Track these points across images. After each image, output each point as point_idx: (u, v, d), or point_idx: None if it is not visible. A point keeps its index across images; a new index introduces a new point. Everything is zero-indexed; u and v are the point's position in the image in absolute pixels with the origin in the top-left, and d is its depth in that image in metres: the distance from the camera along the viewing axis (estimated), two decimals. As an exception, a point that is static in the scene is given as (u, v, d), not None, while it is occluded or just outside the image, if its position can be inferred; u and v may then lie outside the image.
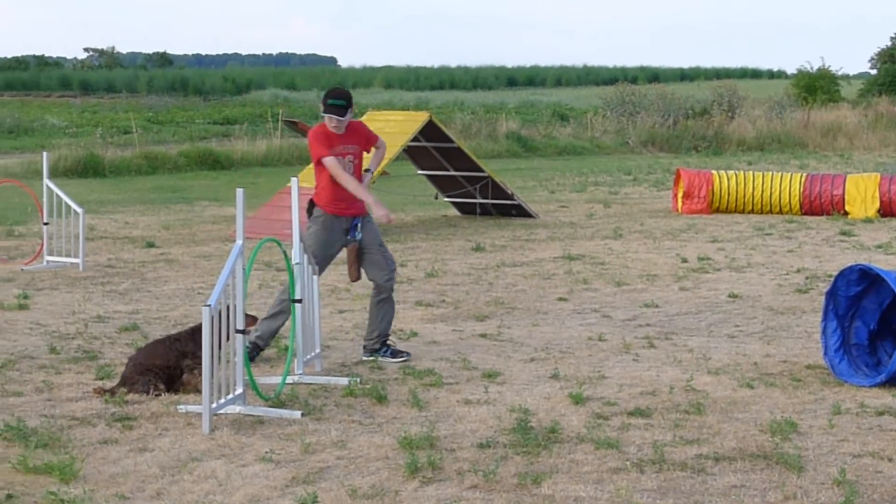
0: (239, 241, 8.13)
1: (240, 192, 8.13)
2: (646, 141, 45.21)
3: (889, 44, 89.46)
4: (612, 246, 17.79)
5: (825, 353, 9.29)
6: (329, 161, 10.00)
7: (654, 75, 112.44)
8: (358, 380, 9.09)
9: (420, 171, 23.09)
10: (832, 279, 9.41)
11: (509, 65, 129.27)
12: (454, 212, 22.92)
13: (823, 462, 7.01)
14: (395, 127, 21.27)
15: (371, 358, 9.94)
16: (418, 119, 21.23)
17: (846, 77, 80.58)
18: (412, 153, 22.32)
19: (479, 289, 13.93)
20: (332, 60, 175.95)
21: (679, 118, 48.52)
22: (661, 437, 7.56)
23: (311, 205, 10.22)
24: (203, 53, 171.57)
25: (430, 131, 21.15)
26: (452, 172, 22.21)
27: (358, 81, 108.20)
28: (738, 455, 7.13)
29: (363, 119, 22.55)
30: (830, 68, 75.62)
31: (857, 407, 8.24)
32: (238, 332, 8.15)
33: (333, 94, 10.10)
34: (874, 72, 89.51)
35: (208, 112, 61.74)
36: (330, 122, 10.09)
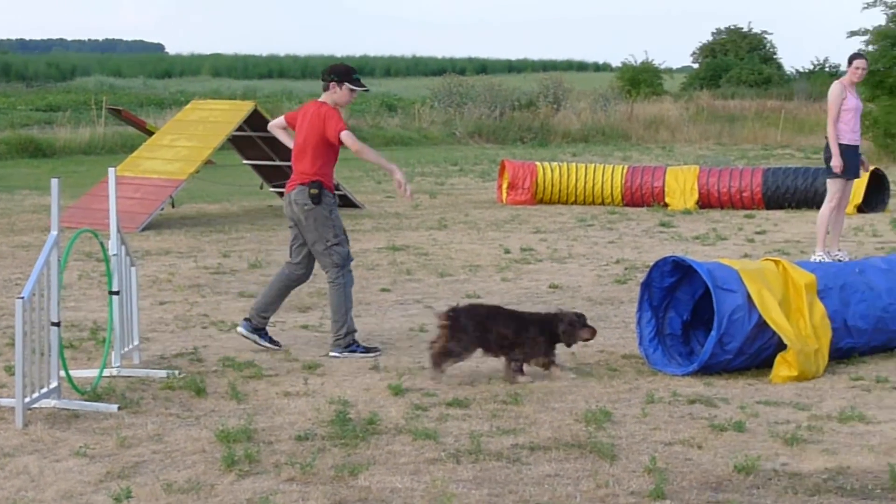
0: (54, 232, 8.01)
1: (54, 182, 8.00)
2: (473, 132, 45.54)
3: (710, 38, 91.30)
4: (437, 237, 17.90)
5: (640, 343, 9.48)
6: (348, 135, 9.95)
7: (482, 66, 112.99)
8: (177, 372, 9.04)
9: (245, 161, 22.95)
10: (648, 270, 9.59)
11: (339, 54, 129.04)
12: (280, 202, 22.82)
13: (636, 450, 7.15)
14: (219, 116, 21.15)
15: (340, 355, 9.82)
16: (243, 108, 21.13)
17: (669, 71, 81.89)
18: (237, 143, 22.18)
19: (303, 280, 13.89)
20: (160, 47, 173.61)
21: (506, 110, 48.97)
22: (479, 427, 7.63)
23: (320, 188, 10.13)
24: (27, 38, 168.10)
25: (255, 120, 21.03)
26: (278, 162, 22.11)
27: (185, 69, 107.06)
28: (553, 444, 7.23)
29: (187, 108, 22.36)
30: (654, 62, 77.04)
31: (670, 396, 8.41)
32: (53, 324, 8.03)
33: (354, 70, 10.24)
34: (696, 66, 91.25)
35: (31, 98, 60.54)
36: (352, 95, 10.19)
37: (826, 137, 14.92)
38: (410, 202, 9.27)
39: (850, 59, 15.20)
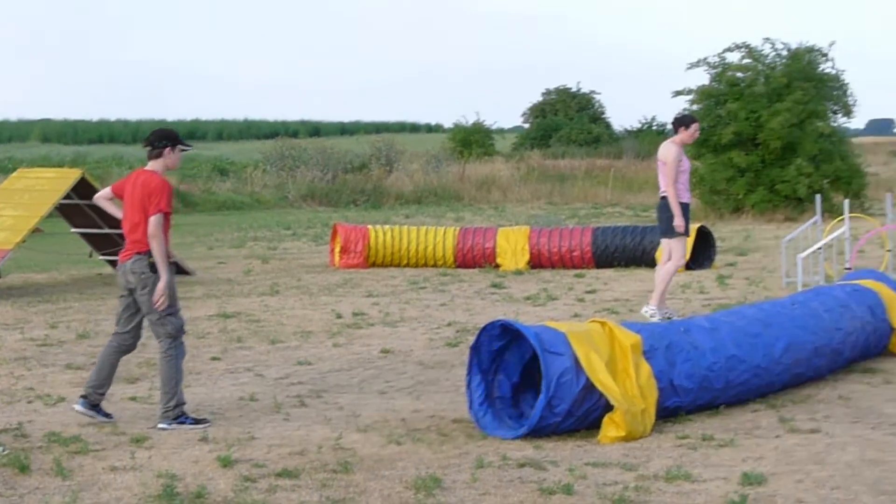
0: None
1: None
2: (305, 195, 45.51)
3: (541, 99, 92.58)
4: (269, 302, 17.80)
5: (470, 407, 9.50)
6: (155, 219, 10.04)
7: (315, 129, 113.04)
8: (0, 449, 8.83)
9: (74, 230, 22.62)
10: (477, 334, 9.64)
11: (170, 118, 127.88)
12: (109, 270, 22.51)
13: (465, 516, 7.16)
14: (46, 185, 20.83)
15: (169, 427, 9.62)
16: (70, 176, 20.84)
17: (500, 131, 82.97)
18: (65, 211, 21.85)
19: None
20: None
21: (339, 172, 49.05)
22: (308, 497, 7.59)
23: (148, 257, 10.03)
24: None
25: (83, 188, 20.75)
26: (107, 230, 21.83)
27: (13, 135, 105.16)
28: (383, 513, 7.22)
29: (13, 177, 21.99)
30: (485, 122, 77.83)
31: (500, 460, 8.45)
32: None
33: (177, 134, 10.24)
34: (527, 126, 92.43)
35: None
36: (179, 162, 10.32)
37: (662, 197, 15.07)
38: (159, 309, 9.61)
39: (687, 122, 15.37)
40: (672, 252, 15.20)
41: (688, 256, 20.47)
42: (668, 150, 15.05)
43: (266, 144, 56.99)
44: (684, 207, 15.02)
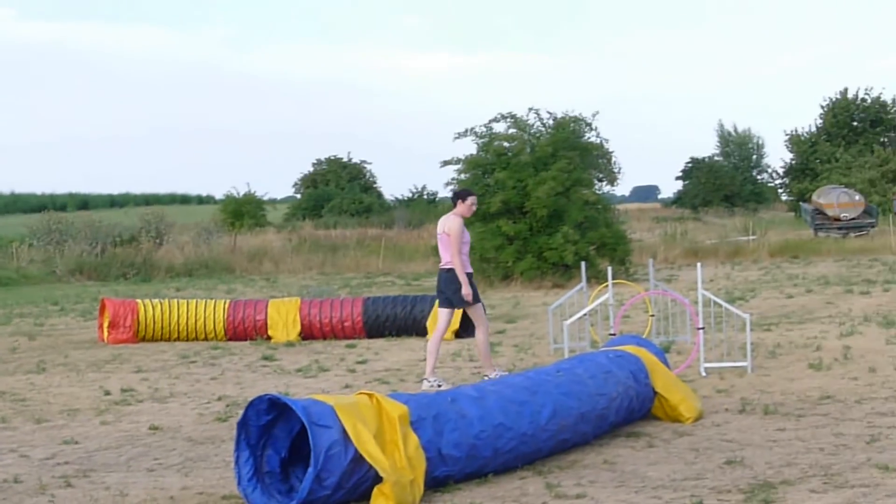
0: None
1: None
2: (74, 269, 44.71)
3: (312, 169, 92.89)
4: (35, 381, 17.42)
5: (239, 483, 9.44)
6: None
7: (83, 202, 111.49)
8: None
9: None
10: (244, 409, 9.60)
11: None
12: None
13: None
14: None
15: None
16: None
17: (273, 202, 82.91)
18: None
19: None
20: None
21: (107, 245, 48.34)
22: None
23: None
24: None
25: None
26: None
27: None
28: None
29: None
30: (256, 193, 77.71)
31: (269, 535, 8.41)
32: None
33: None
34: (299, 196, 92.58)
35: None
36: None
37: (447, 269, 15.53)
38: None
39: (464, 195, 16.06)
40: (475, 319, 15.87)
41: (457, 325, 20.86)
42: (452, 223, 15.57)
43: (32, 218, 55.85)
44: (469, 277, 15.50)
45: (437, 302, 16.88)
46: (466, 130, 36.00)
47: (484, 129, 36.02)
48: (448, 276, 15.55)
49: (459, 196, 16.14)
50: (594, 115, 36.87)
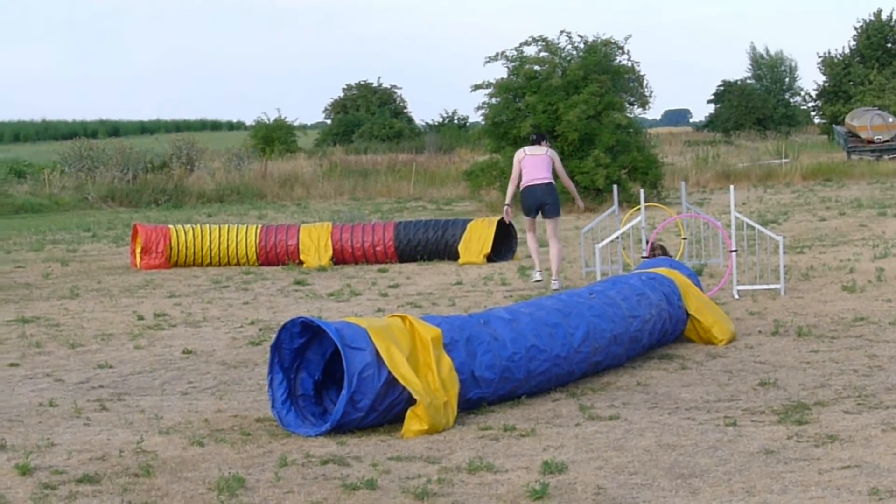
0: None
1: None
2: (105, 196, 44.80)
3: (342, 94, 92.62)
4: (69, 306, 17.51)
5: (273, 406, 9.48)
6: None
7: (114, 129, 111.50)
8: None
9: None
10: (277, 332, 9.61)
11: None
12: None
13: (269, 515, 7.15)
14: None
15: None
16: None
17: (303, 127, 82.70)
18: None
19: (-75, 359, 13.36)
20: None
21: (139, 172, 48.35)
22: (110, 503, 7.49)
23: None
24: None
25: None
26: None
27: None
28: (185, 515, 7.16)
29: None
30: (287, 119, 77.51)
31: (303, 457, 8.44)
32: None
33: None
34: (329, 122, 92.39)
35: None
36: None
37: (545, 182, 18.20)
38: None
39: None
40: (557, 231, 18.53)
41: (488, 249, 20.86)
42: (554, 154, 18.67)
43: (64, 145, 55.88)
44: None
45: (468, 226, 19.82)
46: (497, 54, 35.79)
47: (514, 53, 35.80)
48: (552, 189, 18.22)
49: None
50: (626, 39, 36.57)
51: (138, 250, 22.98)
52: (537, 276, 18.29)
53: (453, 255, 21.87)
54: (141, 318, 16.06)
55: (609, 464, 8.10)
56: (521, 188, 18.24)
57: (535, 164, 18.24)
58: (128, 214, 39.73)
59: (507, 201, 18.62)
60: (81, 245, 28.56)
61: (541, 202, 18.12)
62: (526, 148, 18.53)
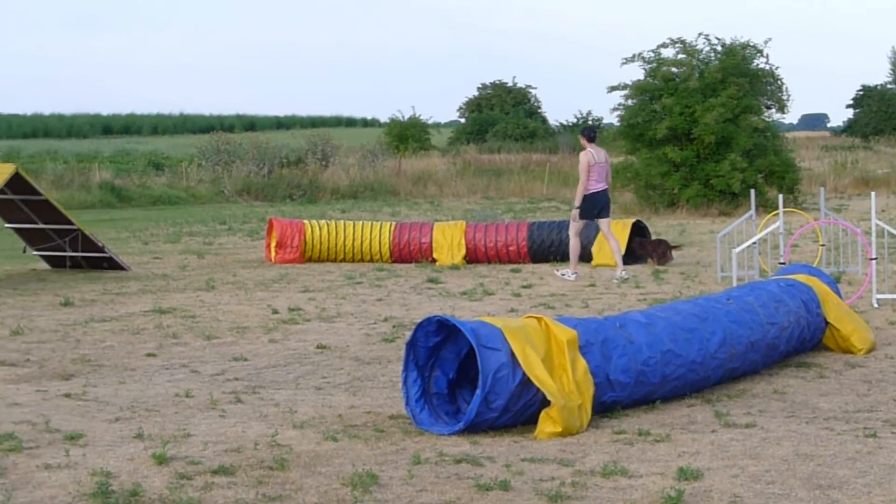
0: None
1: None
2: (241, 190, 45.30)
3: (476, 93, 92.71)
4: (204, 298, 17.71)
5: (406, 403, 9.49)
6: None
7: (250, 124, 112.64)
8: (-68, 448, 8.72)
9: (8, 225, 22.44)
10: (413, 330, 9.62)
11: (105, 112, 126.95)
12: (44, 265, 22.36)
13: (402, 513, 7.14)
14: (-22, 179, 20.62)
15: None
16: (4, 172, 20.61)
17: (437, 125, 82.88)
18: (-2, 206, 21.69)
19: (66, 346, 13.60)
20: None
21: (274, 167, 48.81)
22: (244, 495, 7.54)
23: None
24: None
25: (17, 184, 20.59)
26: (41, 225, 21.67)
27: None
28: (319, 510, 7.18)
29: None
30: (421, 117, 77.77)
31: (437, 456, 8.44)
32: None
33: None
34: (463, 121, 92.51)
35: None
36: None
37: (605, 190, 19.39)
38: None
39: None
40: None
41: (623, 251, 20.76)
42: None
43: (201, 139, 56.56)
44: None
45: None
46: (634, 55, 35.64)
47: (652, 55, 35.62)
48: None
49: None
50: (766, 42, 36.23)
51: (273, 244, 23.19)
52: (573, 276, 19.23)
53: (586, 257, 21.75)
54: (275, 311, 16.19)
55: (745, 472, 7.98)
56: (588, 192, 19.21)
57: (603, 170, 19.35)
58: (262, 208, 40.12)
59: (577, 204, 19.34)
60: (217, 238, 28.90)
61: (603, 206, 19.30)
62: (592, 152, 19.25)
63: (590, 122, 78.28)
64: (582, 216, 19.32)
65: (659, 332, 10.29)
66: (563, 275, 19.36)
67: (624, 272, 19.13)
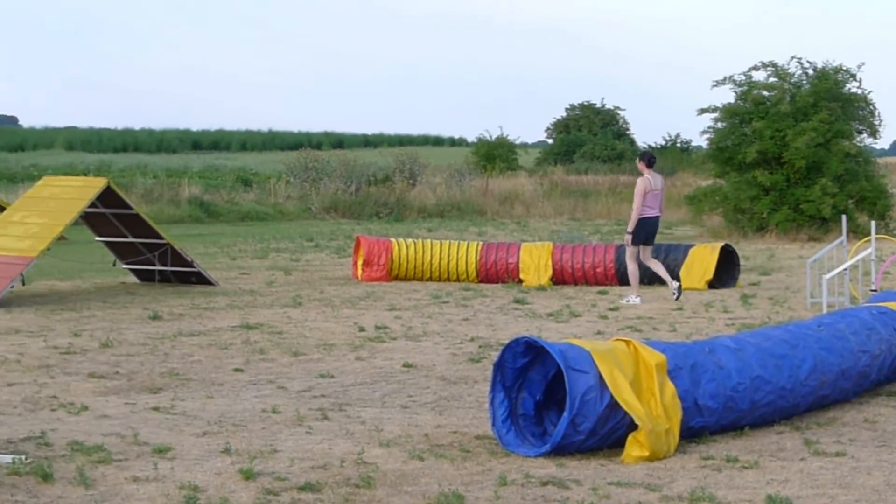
0: None
1: None
2: (328, 207, 45.51)
3: (564, 114, 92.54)
4: (291, 314, 17.79)
5: (493, 424, 9.47)
6: None
7: (338, 141, 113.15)
8: (23, 457, 8.82)
9: (98, 238, 22.69)
10: (500, 350, 9.60)
11: (194, 128, 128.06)
12: (133, 279, 22.58)
13: (488, 534, 7.12)
14: (72, 193, 20.89)
15: None
16: (96, 185, 20.89)
17: (524, 146, 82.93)
18: (90, 219, 21.92)
19: (155, 359, 13.72)
20: (13, 120, 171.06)
21: (362, 185, 48.98)
22: (331, 512, 7.56)
23: None
24: None
25: (108, 197, 20.83)
26: (131, 239, 21.90)
27: (39, 142, 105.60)
28: (405, 529, 7.18)
29: (39, 184, 22.04)
30: (509, 137, 77.84)
31: (523, 478, 8.41)
32: None
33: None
34: (550, 141, 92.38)
35: None
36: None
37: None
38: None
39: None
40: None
41: (710, 275, 20.63)
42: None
43: (289, 156, 56.85)
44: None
45: (690, 251, 20.89)
46: (725, 78, 35.42)
47: (743, 78, 35.39)
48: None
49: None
50: (859, 67, 35.84)
51: (360, 262, 23.26)
52: (637, 300, 19.24)
53: (674, 280, 21.63)
54: (362, 329, 16.23)
55: (835, 501, 7.89)
56: (642, 217, 19.36)
57: (658, 197, 19.54)
58: (349, 226, 40.29)
59: (630, 229, 19.57)
60: (304, 254, 29.05)
61: (653, 234, 19.72)
62: (650, 178, 19.34)
63: (680, 144, 77.93)
64: (633, 242, 19.48)
65: (748, 358, 10.20)
66: (627, 301, 19.27)
67: (638, 298, 19.33)
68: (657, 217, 19.59)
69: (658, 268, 19.90)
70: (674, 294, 19.40)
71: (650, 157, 19.82)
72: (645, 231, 19.48)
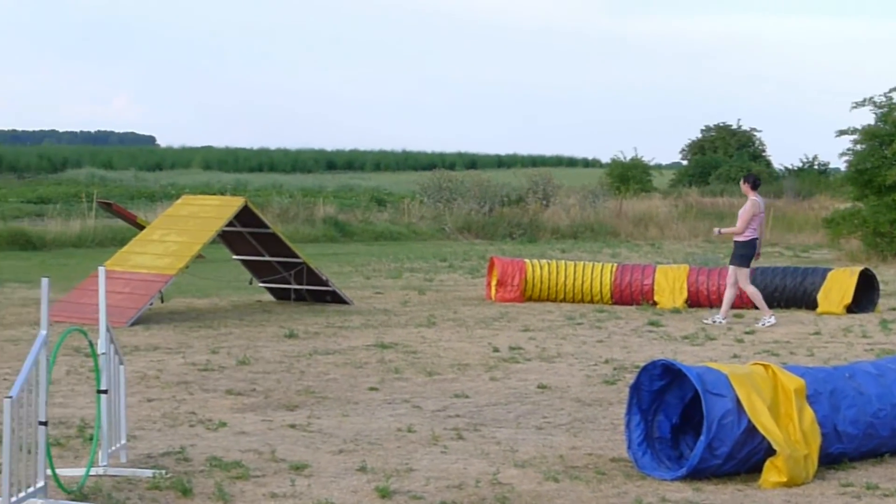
0: (43, 332, 7.98)
1: (44, 281, 7.99)
2: (462, 227, 45.58)
3: (699, 136, 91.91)
4: (426, 334, 17.87)
5: (629, 447, 9.43)
6: None
7: (471, 161, 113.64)
8: (163, 472, 8.96)
9: (235, 257, 22.98)
10: (637, 373, 9.56)
11: (329, 148, 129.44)
12: (269, 297, 22.82)
13: (624, 557, 7.09)
14: (210, 212, 21.18)
15: None
16: (234, 204, 21.16)
17: (658, 167, 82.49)
18: (227, 238, 22.21)
19: (291, 377, 13.86)
20: (151, 139, 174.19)
21: (495, 205, 49.00)
22: (466, 532, 7.58)
23: None
24: (19, 129, 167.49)
25: (245, 216, 21.10)
26: (268, 258, 22.15)
27: (177, 161, 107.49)
28: (541, 550, 7.17)
29: (178, 203, 22.40)
30: (643, 158, 77.48)
31: (659, 501, 8.36)
32: (40, 423, 7.98)
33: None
34: (685, 163, 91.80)
35: (22, 190, 60.79)
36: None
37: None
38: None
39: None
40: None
41: (849, 300, 20.33)
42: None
43: (423, 176, 57.09)
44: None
45: (828, 275, 20.64)
46: (864, 100, 34.88)
47: (883, 99, 34.83)
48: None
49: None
50: None
51: (494, 282, 23.29)
52: (772, 320, 19.28)
53: (811, 304, 21.36)
54: (496, 349, 16.25)
55: (980, 532, 7.73)
56: (750, 238, 19.35)
57: (761, 220, 19.68)
58: (483, 246, 40.34)
59: (723, 229, 20.42)
60: (438, 275, 29.13)
61: (752, 256, 19.58)
62: (758, 201, 19.54)
63: (818, 166, 77.02)
64: (742, 263, 19.41)
65: (890, 384, 10.04)
66: (763, 324, 19.21)
67: (724, 319, 19.47)
68: (756, 240, 19.47)
69: (732, 295, 19.74)
70: (718, 322, 19.45)
71: (755, 180, 19.90)
72: (752, 253, 19.47)
